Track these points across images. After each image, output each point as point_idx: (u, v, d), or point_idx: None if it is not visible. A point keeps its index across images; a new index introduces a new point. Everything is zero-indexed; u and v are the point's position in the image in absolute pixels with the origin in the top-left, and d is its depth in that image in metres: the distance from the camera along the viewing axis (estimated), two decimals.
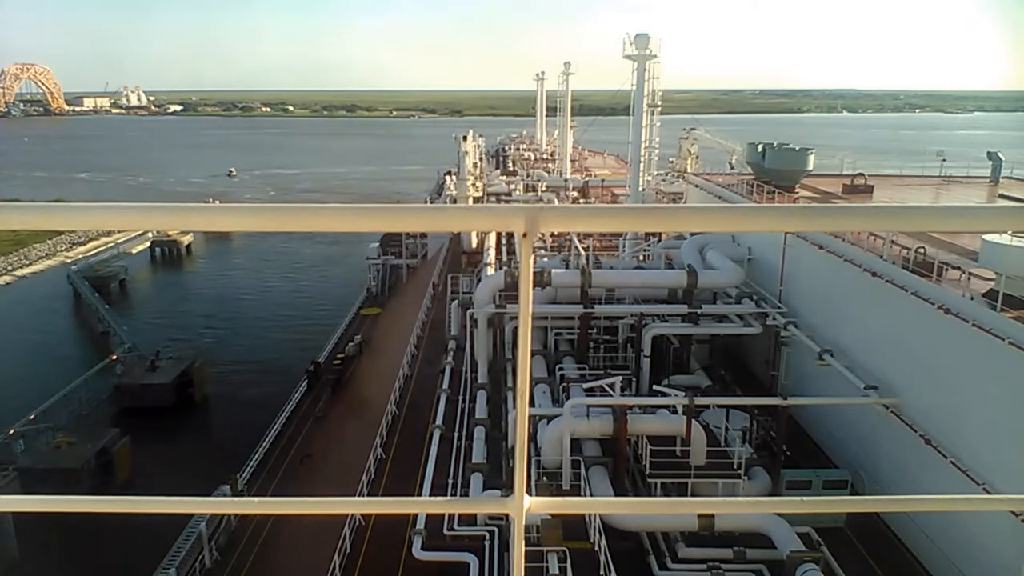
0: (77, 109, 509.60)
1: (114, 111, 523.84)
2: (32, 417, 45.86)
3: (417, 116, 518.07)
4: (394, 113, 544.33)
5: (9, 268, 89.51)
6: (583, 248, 42.90)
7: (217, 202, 2.59)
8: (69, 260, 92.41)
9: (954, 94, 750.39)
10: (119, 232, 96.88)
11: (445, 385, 38.19)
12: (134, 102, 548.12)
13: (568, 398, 29.36)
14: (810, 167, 45.87)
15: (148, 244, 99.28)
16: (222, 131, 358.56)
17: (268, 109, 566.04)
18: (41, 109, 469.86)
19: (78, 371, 55.33)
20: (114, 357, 57.65)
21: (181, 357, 56.83)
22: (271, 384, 52.49)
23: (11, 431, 43.00)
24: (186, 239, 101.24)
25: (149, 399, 51.70)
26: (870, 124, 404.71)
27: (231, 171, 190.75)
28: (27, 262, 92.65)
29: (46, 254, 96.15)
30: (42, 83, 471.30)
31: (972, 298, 24.59)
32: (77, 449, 42.57)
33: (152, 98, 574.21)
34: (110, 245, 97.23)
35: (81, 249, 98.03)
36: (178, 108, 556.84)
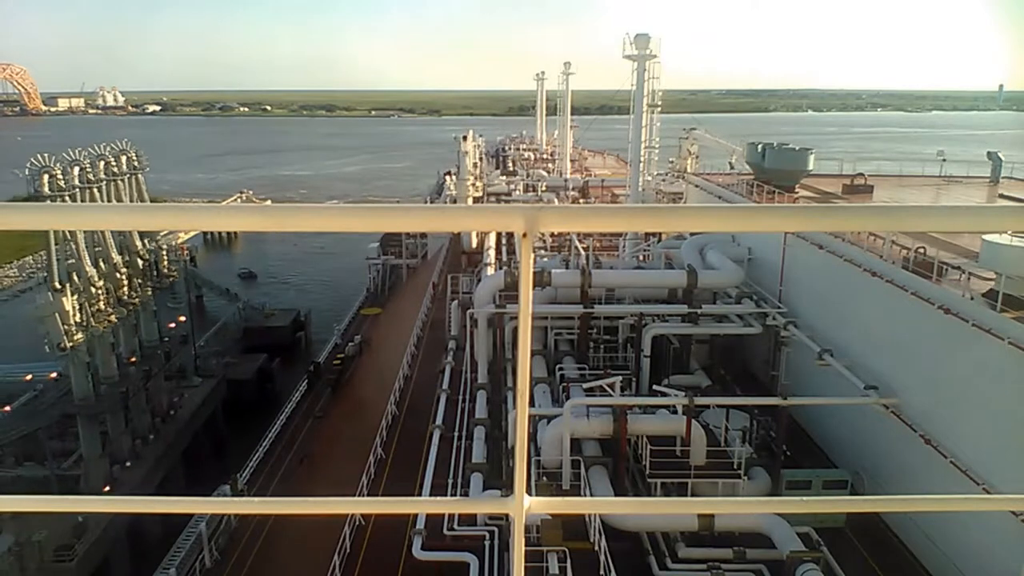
0: (52, 109, 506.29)
1: (90, 111, 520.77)
2: (202, 344, 60.52)
3: (396, 116, 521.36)
4: (373, 113, 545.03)
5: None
6: (583, 248, 42.85)
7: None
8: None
9: (913, 93, 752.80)
10: None
11: (445, 385, 38.19)
12: (110, 102, 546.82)
13: (568, 398, 29.32)
14: (810, 167, 45.85)
15: None
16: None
17: (246, 109, 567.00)
18: (18, 109, 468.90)
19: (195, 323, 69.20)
20: (240, 306, 73.70)
21: (289, 308, 75.09)
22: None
23: (192, 352, 55.45)
24: None
25: (272, 338, 67.62)
26: (851, 123, 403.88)
27: None
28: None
29: None
30: (18, 83, 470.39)
31: (972, 298, 24.55)
32: (240, 367, 58.94)
33: (124, 99, 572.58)
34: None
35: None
36: (156, 108, 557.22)
